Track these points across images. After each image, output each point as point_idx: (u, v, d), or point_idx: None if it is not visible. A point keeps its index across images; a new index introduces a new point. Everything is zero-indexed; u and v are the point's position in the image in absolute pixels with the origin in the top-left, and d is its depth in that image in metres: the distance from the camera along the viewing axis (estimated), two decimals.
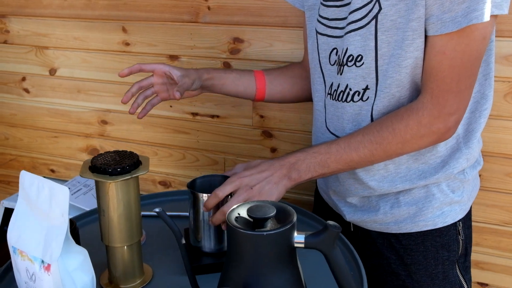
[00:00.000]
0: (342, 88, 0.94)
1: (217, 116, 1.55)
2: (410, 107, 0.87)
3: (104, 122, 1.71)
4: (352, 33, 0.90)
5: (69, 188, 0.71)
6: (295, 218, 0.70)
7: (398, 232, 0.99)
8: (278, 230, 0.68)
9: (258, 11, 1.38)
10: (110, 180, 0.76)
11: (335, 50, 0.96)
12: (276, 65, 1.42)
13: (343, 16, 0.92)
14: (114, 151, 0.82)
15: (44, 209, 0.73)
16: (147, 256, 0.93)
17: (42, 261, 0.73)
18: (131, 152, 0.82)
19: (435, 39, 0.82)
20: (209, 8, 1.43)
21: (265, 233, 0.68)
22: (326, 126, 1.00)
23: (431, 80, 0.84)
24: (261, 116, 1.50)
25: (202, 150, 1.61)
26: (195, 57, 1.50)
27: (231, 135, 1.56)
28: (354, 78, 0.91)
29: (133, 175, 0.77)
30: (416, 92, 0.89)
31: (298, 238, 0.71)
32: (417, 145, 0.88)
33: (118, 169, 0.76)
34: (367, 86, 0.91)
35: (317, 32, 1.00)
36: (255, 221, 0.69)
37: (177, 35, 1.50)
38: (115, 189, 0.77)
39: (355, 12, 0.89)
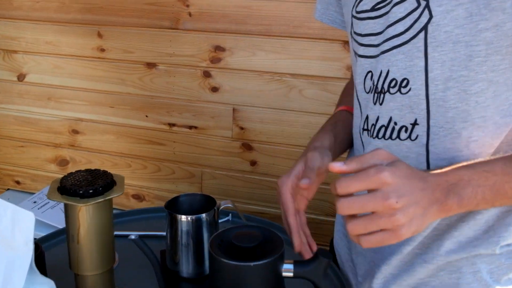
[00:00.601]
0: (383, 122, 0.73)
1: (195, 127, 1.49)
2: None
3: (75, 132, 1.62)
4: (394, 50, 0.70)
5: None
6: (283, 247, 0.65)
7: None
8: (265, 261, 0.63)
9: (241, 18, 1.33)
10: (81, 203, 0.69)
11: (370, 74, 0.76)
12: (258, 75, 1.37)
13: (379, 31, 0.74)
14: (86, 170, 0.75)
15: (5, 236, 0.65)
16: (119, 282, 0.86)
17: None
18: (104, 171, 0.75)
19: None
20: (190, 14, 1.37)
21: (252, 263, 0.62)
22: None
23: None
24: (241, 128, 1.44)
25: (178, 163, 1.54)
26: (173, 65, 1.43)
27: (209, 147, 1.49)
28: (399, 109, 0.71)
29: (107, 197, 0.70)
30: (495, 132, 0.67)
31: (287, 267, 0.66)
32: None
33: (90, 191, 0.69)
34: (415, 120, 0.70)
35: (355, 53, 0.79)
36: (241, 250, 0.64)
37: (155, 42, 1.43)
38: (86, 213, 0.70)
39: (396, 24, 0.70)
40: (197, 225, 0.84)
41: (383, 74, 0.72)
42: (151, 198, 1.63)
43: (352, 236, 0.58)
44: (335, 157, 0.82)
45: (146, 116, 1.52)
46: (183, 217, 0.84)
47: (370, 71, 0.76)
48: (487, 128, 0.67)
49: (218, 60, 1.39)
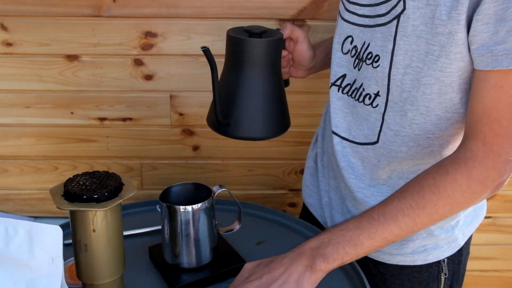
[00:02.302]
0: (357, 85, 0.83)
1: (130, 119, 1.42)
2: (456, 158, 0.70)
3: None
4: (376, 28, 0.78)
5: None
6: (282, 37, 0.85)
7: (376, 259, 0.90)
8: (272, 38, 0.82)
9: (172, 2, 1.28)
10: (98, 208, 0.64)
11: (350, 38, 0.84)
12: (194, 59, 1.34)
13: (364, 3, 0.81)
14: (85, 173, 0.69)
15: (20, 259, 0.59)
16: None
17: None
18: (106, 172, 0.70)
19: (488, 74, 0.67)
20: (114, 0, 1.29)
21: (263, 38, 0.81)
22: (329, 121, 0.90)
23: (483, 123, 0.68)
24: (181, 114, 1.41)
25: (114, 158, 1.46)
26: (100, 55, 1.34)
27: (147, 138, 1.44)
28: (368, 78, 0.81)
29: (123, 198, 0.66)
30: (435, 126, 0.77)
31: None
32: (468, 203, 0.72)
33: (106, 193, 0.65)
34: (378, 92, 0.80)
35: (340, 15, 0.87)
36: (250, 34, 0.81)
37: (75, 32, 1.32)
38: (103, 218, 0.65)
39: (381, 6, 0.77)
40: (197, 214, 0.83)
41: (365, 46, 0.81)
42: None
43: None
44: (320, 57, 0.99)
45: (72, 113, 1.41)
46: (183, 208, 0.82)
47: (350, 36, 0.84)
48: (429, 117, 0.76)
49: (150, 46, 1.33)
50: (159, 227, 0.98)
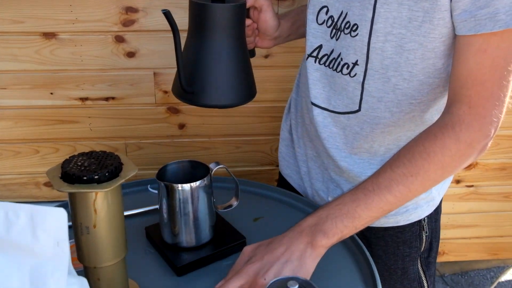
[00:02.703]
0: (335, 55, 0.84)
1: (112, 98, 1.38)
2: (444, 123, 0.72)
3: None
4: None
5: None
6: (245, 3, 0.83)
7: None
8: (234, 4, 0.79)
9: None
10: (99, 189, 0.61)
11: (325, 9, 0.84)
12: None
13: None
14: (82, 154, 0.66)
15: (23, 244, 0.56)
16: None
17: None
18: (103, 152, 0.67)
19: (472, 38, 0.68)
20: None
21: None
22: (308, 94, 0.90)
23: (468, 87, 0.70)
24: (165, 92, 1.38)
25: (97, 139, 1.43)
26: (78, 33, 1.29)
27: (131, 117, 1.40)
28: (346, 48, 0.81)
29: (124, 178, 0.64)
30: (418, 91, 0.78)
31: None
32: (457, 166, 0.73)
33: (106, 174, 0.62)
34: (356, 61, 0.80)
35: None
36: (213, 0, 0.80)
37: (51, 8, 1.26)
38: (104, 199, 0.63)
39: None
40: (196, 192, 0.81)
41: (343, 15, 0.82)
42: None
43: None
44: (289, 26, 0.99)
45: (51, 93, 1.36)
46: (182, 186, 0.80)
47: (325, 6, 0.85)
48: (412, 82, 0.78)
49: (132, 22, 1.29)
50: (153, 207, 0.97)
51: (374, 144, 0.86)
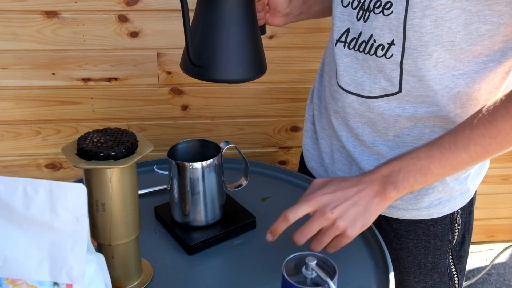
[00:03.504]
0: (365, 38, 0.79)
1: (115, 79, 1.36)
2: None
3: None
4: None
5: None
6: None
7: (389, 215, 0.91)
8: None
9: None
10: (116, 165, 0.61)
11: None
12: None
13: None
14: (97, 131, 0.66)
15: (42, 220, 0.56)
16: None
17: (56, 284, 0.57)
18: (117, 129, 0.67)
19: None
20: None
21: None
22: (337, 81, 0.86)
23: None
24: (168, 73, 1.37)
25: (99, 120, 1.42)
26: (81, 11, 1.27)
27: (134, 98, 1.39)
28: (379, 28, 0.77)
29: (141, 155, 0.63)
30: (459, 60, 0.75)
31: None
32: None
33: (123, 150, 0.62)
34: (393, 41, 0.76)
35: None
36: None
37: None
38: (121, 176, 0.63)
39: None
40: (208, 171, 0.81)
41: None
42: (70, 165, 1.48)
43: (317, 251, 0.73)
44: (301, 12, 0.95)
45: (53, 74, 1.34)
46: (194, 165, 0.80)
47: None
48: (453, 51, 0.74)
49: (135, 1, 1.27)
50: (161, 187, 0.97)
51: (418, 123, 0.81)
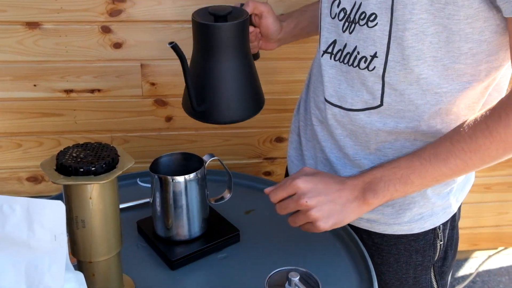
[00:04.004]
0: (349, 49, 0.80)
1: (98, 90, 1.35)
2: (507, 103, 0.69)
3: None
4: None
5: None
6: (248, 16, 0.84)
7: (370, 230, 0.90)
8: (238, 21, 0.81)
9: None
10: (96, 180, 0.60)
11: (337, 2, 0.81)
12: (166, 25, 1.29)
13: None
14: (76, 145, 0.65)
15: (18, 238, 0.55)
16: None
17: None
18: (98, 143, 0.66)
19: None
20: None
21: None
22: (323, 92, 0.87)
23: None
24: (152, 84, 1.36)
25: (82, 132, 1.40)
26: (63, 22, 1.26)
27: (118, 110, 1.38)
28: (363, 40, 0.77)
29: (122, 170, 0.62)
30: (443, 78, 0.75)
31: None
32: None
33: (103, 165, 0.61)
34: (375, 53, 0.77)
35: None
36: (215, 17, 0.82)
37: None
38: (101, 191, 0.62)
39: None
40: (190, 185, 0.80)
41: (356, 6, 0.78)
42: None
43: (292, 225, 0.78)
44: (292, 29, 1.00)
45: (35, 85, 1.32)
46: (176, 178, 0.79)
47: None
48: (436, 68, 0.75)
49: (118, 12, 1.26)
50: (143, 200, 0.96)
51: (399, 137, 0.82)
